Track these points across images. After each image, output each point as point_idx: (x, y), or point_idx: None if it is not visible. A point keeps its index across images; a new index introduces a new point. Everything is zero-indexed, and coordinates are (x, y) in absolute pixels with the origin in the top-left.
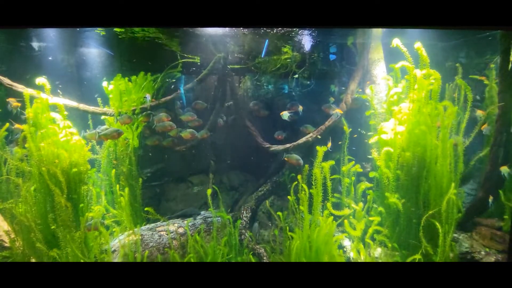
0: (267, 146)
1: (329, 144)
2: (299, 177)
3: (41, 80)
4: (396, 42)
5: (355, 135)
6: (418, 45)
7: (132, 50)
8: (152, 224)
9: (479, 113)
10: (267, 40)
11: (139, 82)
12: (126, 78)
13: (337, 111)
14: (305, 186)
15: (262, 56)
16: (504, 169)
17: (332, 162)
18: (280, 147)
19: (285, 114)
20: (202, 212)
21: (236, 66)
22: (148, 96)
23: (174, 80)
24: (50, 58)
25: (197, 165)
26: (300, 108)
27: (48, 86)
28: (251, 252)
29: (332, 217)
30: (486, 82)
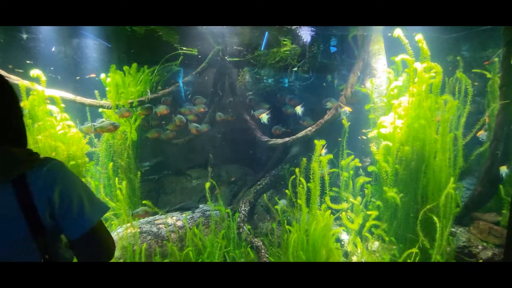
0: (266, 139)
1: (322, 150)
2: (296, 170)
3: (36, 72)
4: (398, 32)
5: (363, 132)
6: (419, 37)
7: (129, 42)
8: (151, 217)
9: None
10: (266, 33)
11: (135, 75)
12: (126, 70)
13: (345, 109)
14: (303, 180)
15: (262, 49)
16: (503, 169)
17: (330, 156)
18: (279, 140)
19: (264, 117)
20: (201, 206)
21: (235, 59)
22: (149, 92)
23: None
24: (52, 50)
25: (196, 158)
26: (297, 109)
27: (43, 78)
28: (249, 245)
29: (330, 210)
30: (488, 75)
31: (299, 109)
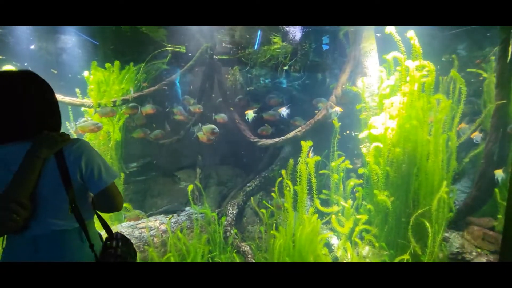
0: (256, 140)
1: (310, 155)
2: (283, 172)
3: (8, 68)
4: (390, 29)
5: (348, 132)
6: (411, 34)
7: (115, 39)
8: (133, 221)
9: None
10: (259, 31)
11: (118, 73)
12: (109, 67)
13: (336, 109)
14: (289, 183)
15: (256, 47)
16: (498, 173)
17: (317, 158)
18: (269, 141)
19: (250, 114)
20: (187, 209)
21: (224, 57)
22: (132, 90)
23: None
24: (32, 47)
25: (184, 159)
26: (281, 110)
27: None
28: (235, 250)
29: (317, 215)
30: (485, 75)
31: (283, 110)
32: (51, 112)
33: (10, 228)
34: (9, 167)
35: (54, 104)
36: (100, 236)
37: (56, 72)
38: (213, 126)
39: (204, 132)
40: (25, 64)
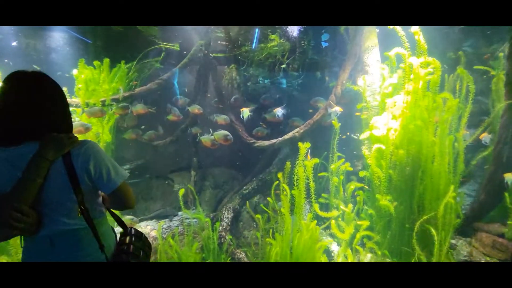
0: (252, 141)
1: (309, 157)
2: (279, 175)
3: None
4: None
5: (348, 134)
6: (415, 29)
7: (106, 36)
8: None
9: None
10: (257, 30)
11: (108, 71)
12: (97, 65)
13: (336, 109)
14: (286, 187)
15: (254, 47)
16: (508, 177)
17: (316, 160)
18: (266, 142)
19: (245, 112)
20: (180, 213)
21: (220, 55)
22: (121, 89)
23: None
24: (14, 44)
25: (179, 161)
26: (276, 111)
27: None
28: (230, 257)
29: (316, 221)
30: (493, 73)
31: (279, 111)
32: (60, 114)
33: (16, 233)
34: (19, 167)
35: (63, 106)
36: (113, 230)
37: (39, 69)
38: (226, 132)
39: (216, 138)
40: (5, 60)
